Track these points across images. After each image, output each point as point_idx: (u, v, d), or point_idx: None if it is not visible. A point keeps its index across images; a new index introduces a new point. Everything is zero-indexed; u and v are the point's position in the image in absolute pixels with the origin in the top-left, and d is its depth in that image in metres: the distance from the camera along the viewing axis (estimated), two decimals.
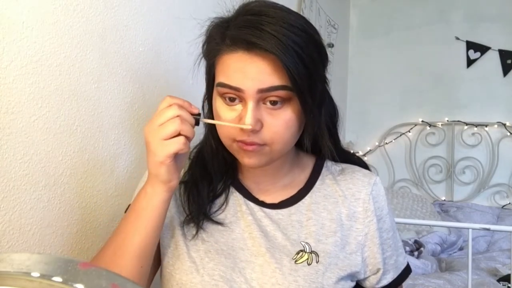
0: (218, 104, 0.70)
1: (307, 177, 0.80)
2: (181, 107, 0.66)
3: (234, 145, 0.69)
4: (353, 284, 0.76)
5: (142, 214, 0.68)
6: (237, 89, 0.66)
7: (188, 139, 0.66)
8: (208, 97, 0.76)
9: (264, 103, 0.67)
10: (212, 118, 0.73)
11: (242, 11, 0.67)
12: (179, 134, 0.65)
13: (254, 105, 0.65)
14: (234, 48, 0.65)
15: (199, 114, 0.69)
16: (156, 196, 0.68)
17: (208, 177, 0.78)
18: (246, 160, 0.70)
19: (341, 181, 0.79)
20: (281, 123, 0.67)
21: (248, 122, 0.64)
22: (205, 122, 0.73)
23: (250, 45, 0.64)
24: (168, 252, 0.76)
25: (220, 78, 0.68)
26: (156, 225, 0.69)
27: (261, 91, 0.65)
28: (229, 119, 0.68)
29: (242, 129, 0.66)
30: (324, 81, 0.73)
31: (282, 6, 0.68)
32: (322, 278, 0.71)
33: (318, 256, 0.72)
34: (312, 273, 0.71)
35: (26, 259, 0.31)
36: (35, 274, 0.30)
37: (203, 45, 0.74)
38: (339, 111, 0.80)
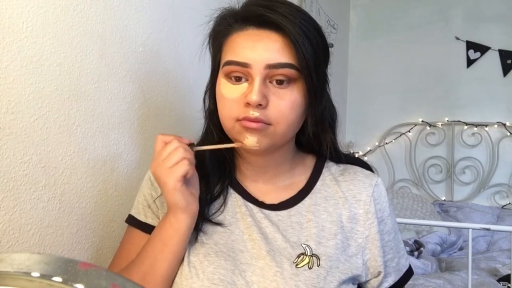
0: (223, 84, 0.70)
1: (307, 177, 0.79)
2: (179, 140, 0.69)
3: (236, 126, 0.69)
4: (355, 287, 0.76)
5: (169, 242, 0.70)
6: (244, 65, 0.67)
7: (190, 162, 0.68)
8: (212, 87, 0.76)
9: (271, 82, 0.68)
10: (215, 109, 0.73)
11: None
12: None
13: (261, 80, 0.66)
14: (245, 26, 0.68)
15: (191, 144, 0.71)
16: (181, 224, 0.70)
17: (205, 177, 0.77)
18: (247, 140, 0.69)
19: (342, 182, 0.78)
20: (287, 103, 0.68)
21: (255, 96, 0.65)
22: (198, 150, 0.73)
23: (261, 21, 0.67)
24: None
25: (227, 57, 0.69)
26: (183, 249, 0.72)
27: (269, 66, 0.66)
28: (234, 98, 0.68)
29: (247, 105, 0.66)
30: (324, 75, 0.74)
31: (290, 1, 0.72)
32: (323, 282, 0.70)
33: (319, 259, 0.71)
34: (313, 277, 0.70)
35: (26, 259, 0.31)
36: (35, 274, 0.30)
37: (210, 32, 0.75)
38: (337, 112, 0.81)
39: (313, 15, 2.37)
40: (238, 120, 0.68)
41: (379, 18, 3.25)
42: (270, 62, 0.66)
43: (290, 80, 0.68)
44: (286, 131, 0.70)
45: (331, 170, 0.80)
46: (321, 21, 2.55)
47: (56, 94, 0.79)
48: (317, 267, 0.71)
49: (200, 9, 1.22)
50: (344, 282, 0.72)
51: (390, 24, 3.21)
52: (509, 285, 1.70)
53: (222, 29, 0.72)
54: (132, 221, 0.81)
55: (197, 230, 0.74)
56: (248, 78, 0.68)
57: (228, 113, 0.69)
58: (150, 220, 0.79)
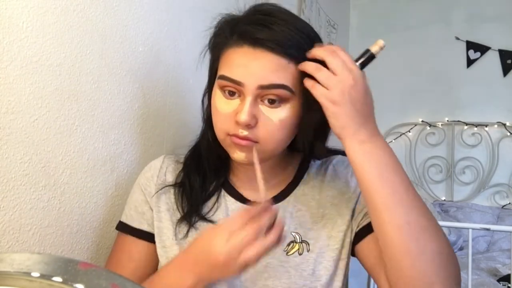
0: (218, 96, 0.71)
1: (295, 171, 0.82)
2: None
3: (227, 140, 0.70)
4: (348, 260, 0.77)
5: None
6: (238, 83, 0.67)
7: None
8: (209, 91, 0.76)
9: (262, 101, 0.68)
10: (210, 112, 0.74)
11: (253, 11, 0.70)
12: None
13: (252, 100, 0.66)
14: (240, 43, 0.67)
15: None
16: None
17: (202, 172, 0.79)
18: (237, 155, 0.70)
19: (325, 169, 0.82)
20: (276, 122, 0.68)
21: (244, 116, 0.65)
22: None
23: (256, 42, 0.66)
24: (163, 259, 0.77)
25: (222, 71, 0.69)
26: None
27: (261, 87, 0.66)
28: (226, 113, 0.69)
29: (236, 123, 0.67)
30: None
31: (291, 12, 0.71)
32: (313, 265, 0.73)
33: (308, 244, 0.74)
34: (303, 262, 0.73)
35: (26, 259, 0.31)
36: (35, 274, 0.30)
37: (210, 39, 0.75)
38: None
39: (313, 15, 2.37)
40: (228, 134, 0.69)
41: (379, 18, 3.25)
42: (263, 83, 0.66)
43: (281, 100, 0.68)
44: (274, 148, 0.71)
45: (316, 161, 0.84)
46: (321, 21, 2.55)
47: (56, 94, 0.79)
48: (307, 252, 0.74)
49: (200, 9, 1.22)
50: (336, 259, 0.74)
51: (390, 24, 3.20)
52: (509, 285, 1.70)
53: (220, 41, 0.71)
54: (124, 228, 0.81)
55: (189, 225, 0.75)
56: (241, 95, 0.68)
57: (220, 126, 0.70)
58: (145, 227, 0.80)
